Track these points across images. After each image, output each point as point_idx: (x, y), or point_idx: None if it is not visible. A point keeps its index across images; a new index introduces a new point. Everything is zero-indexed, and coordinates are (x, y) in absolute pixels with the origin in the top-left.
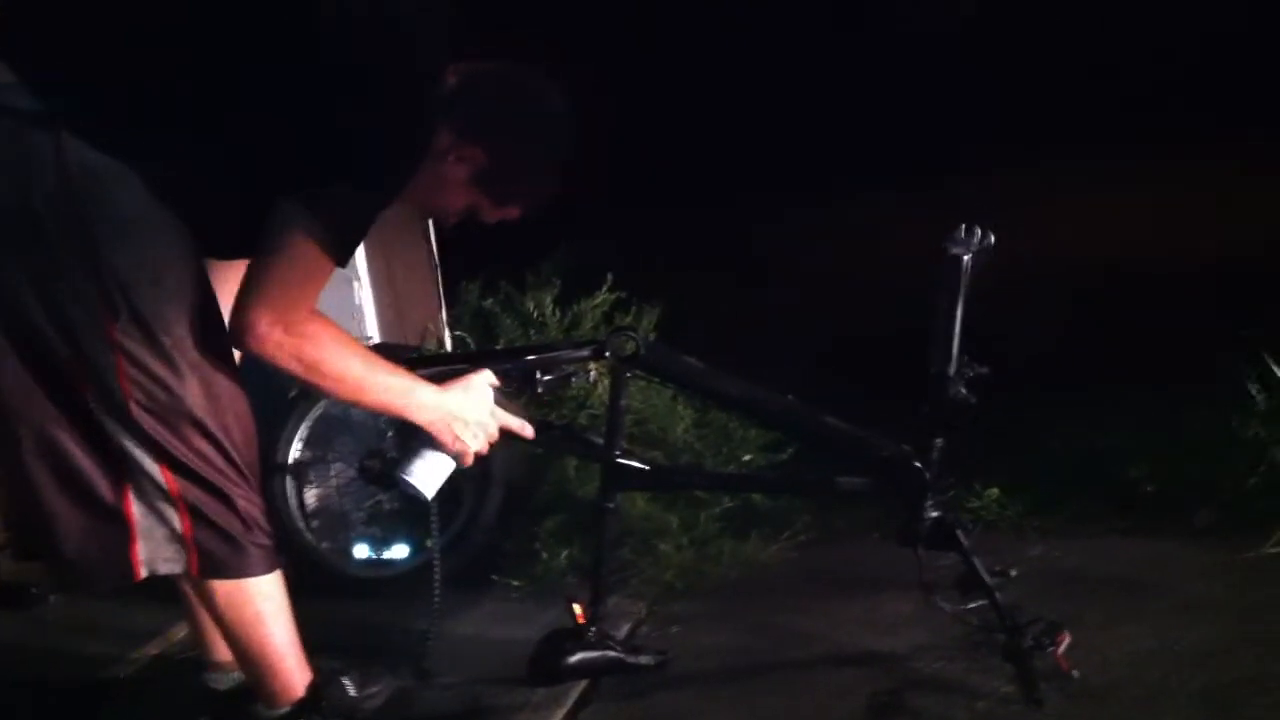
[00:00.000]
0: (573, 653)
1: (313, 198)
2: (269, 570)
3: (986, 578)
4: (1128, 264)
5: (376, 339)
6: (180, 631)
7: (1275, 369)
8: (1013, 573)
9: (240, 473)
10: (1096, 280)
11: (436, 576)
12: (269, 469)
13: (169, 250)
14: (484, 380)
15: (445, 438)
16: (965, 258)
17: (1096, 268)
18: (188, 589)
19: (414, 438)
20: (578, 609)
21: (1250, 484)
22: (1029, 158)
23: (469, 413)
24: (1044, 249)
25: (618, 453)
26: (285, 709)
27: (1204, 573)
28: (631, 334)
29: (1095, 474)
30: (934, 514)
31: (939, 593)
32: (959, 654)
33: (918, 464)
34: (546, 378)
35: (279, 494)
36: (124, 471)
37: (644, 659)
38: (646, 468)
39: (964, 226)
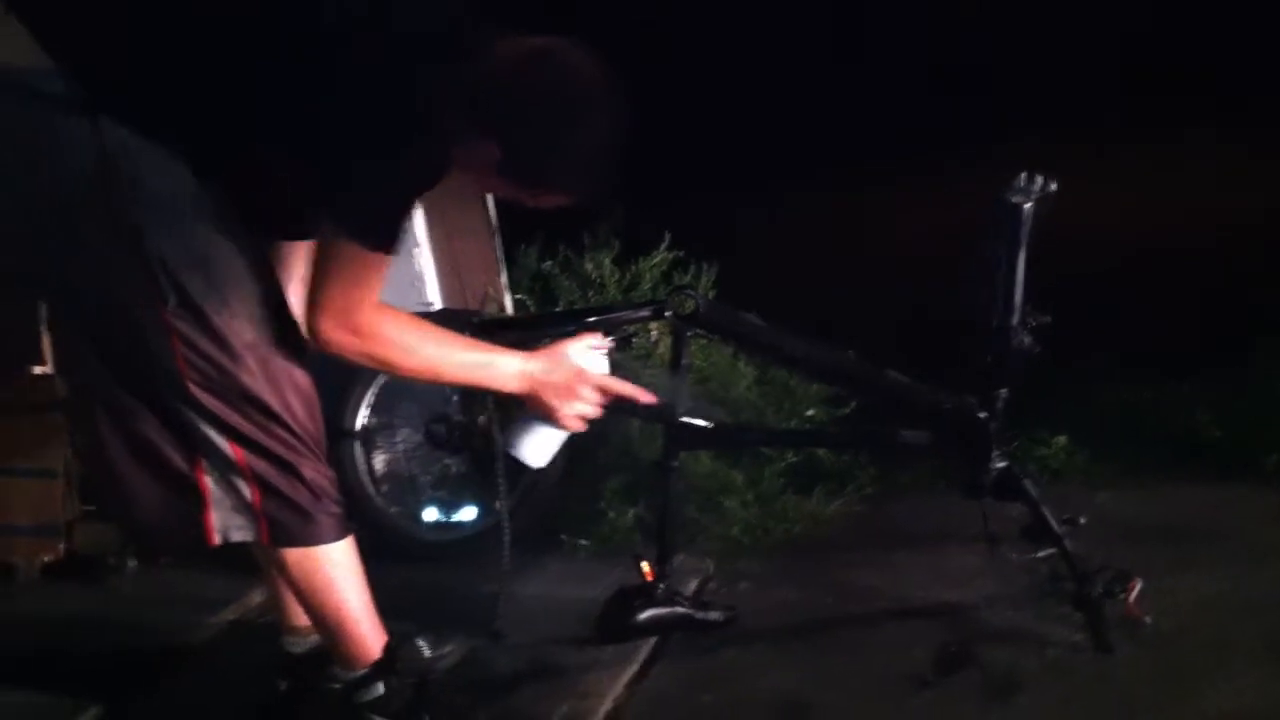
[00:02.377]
0: (641, 610)
1: (346, 201)
2: (339, 537)
3: (1055, 526)
4: (1196, 223)
5: (437, 305)
6: (256, 597)
7: None
8: (1081, 520)
9: (305, 445)
10: (1163, 238)
11: (505, 538)
12: (338, 437)
13: (215, 231)
14: (580, 345)
15: (541, 406)
16: (1026, 206)
17: (1165, 226)
18: (262, 555)
19: (519, 409)
20: (645, 567)
21: None
22: (1095, 113)
23: (558, 378)
24: (1111, 208)
25: (681, 412)
26: (362, 671)
27: (1274, 518)
28: (691, 293)
29: (1162, 421)
30: (1000, 464)
31: (1006, 543)
32: (1028, 604)
33: (982, 415)
34: (607, 339)
35: (348, 461)
36: (194, 444)
37: (712, 615)
38: (709, 426)
39: (1024, 174)
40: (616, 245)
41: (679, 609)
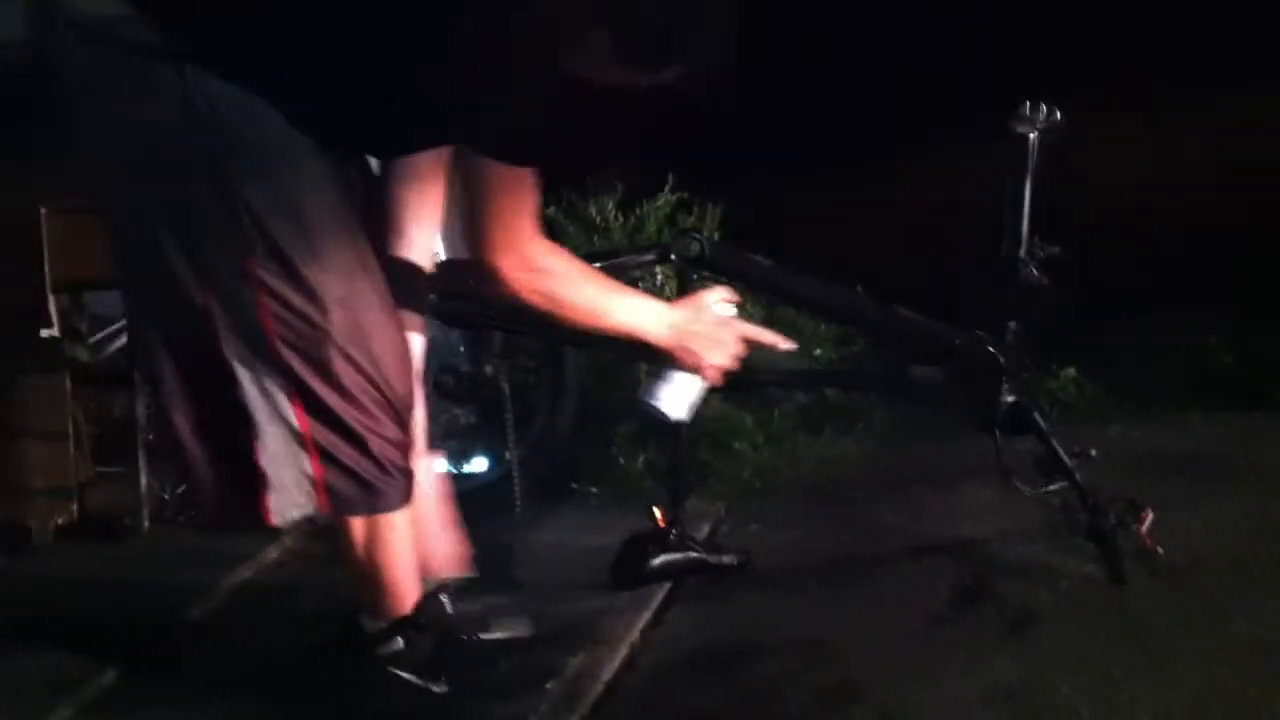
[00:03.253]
0: (655, 556)
1: (475, 129)
2: (400, 505)
3: (1066, 459)
4: (1210, 155)
5: (442, 255)
6: (271, 554)
7: None
8: (1092, 452)
9: (385, 407)
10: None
11: (516, 487)
12: None
13: (307, 180)
14: (715, 295)
15: (682, 356)
16: (1032, 136)
17: (1179, 159)
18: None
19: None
20: (657, 512)
21: None
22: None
23: (702, 328)
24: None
25: None
26: (385, 623)
27: None
28: (696, 235)
29: (1173, 349)
30: (1010, 398)
31: (1018, 477)
32: (1041, 537)
33: (991, 349)
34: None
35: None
36: (253, 416)
37: (726, 559)
38: None
39: (1029, 103)
40: (619, 189)
41: (692, 554)
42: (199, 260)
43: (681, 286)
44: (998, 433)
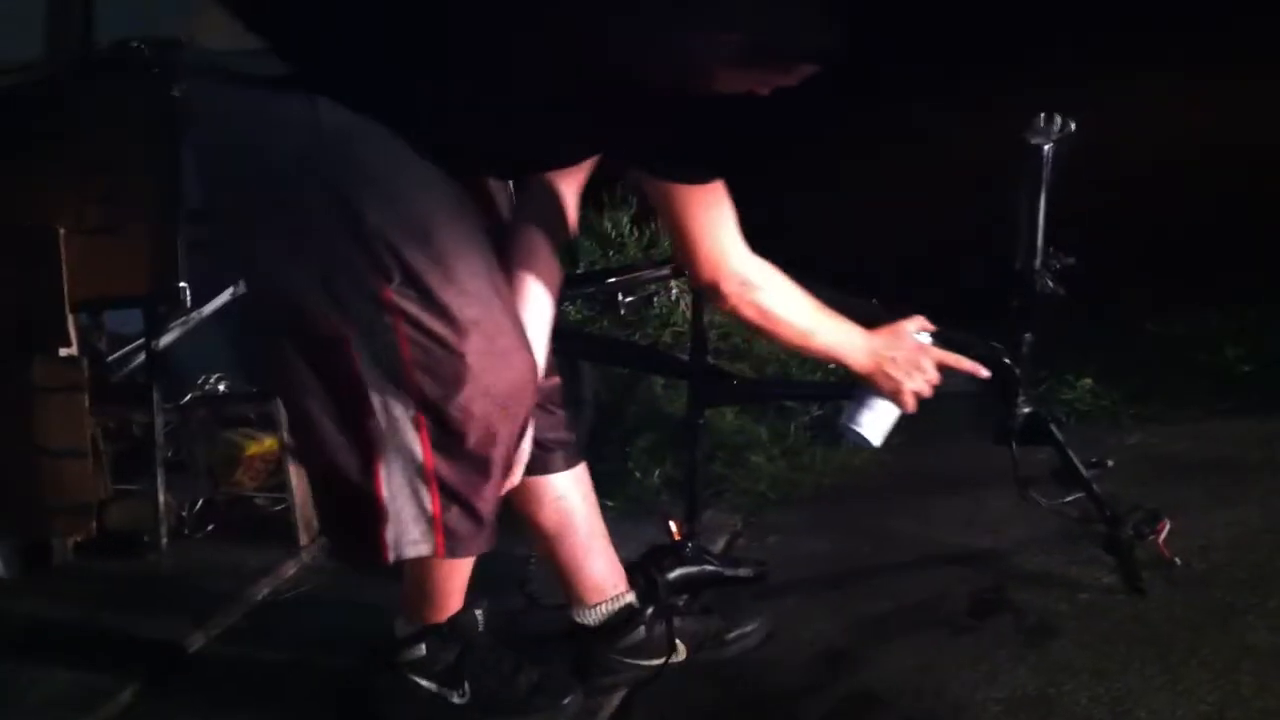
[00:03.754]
0: (671, 569)
1: (641, 153)
2: (489, 547)
3: (1082, 470)
4: (1221, 154)
5: None
6: (290, 569)
7: None
8: (1109, 463)
9: (510, 431)
10: (1179, 167)
11: None
12: None
13: (436, 205)
14: (915, 325)
15: (881, 381)
16: (1046, 147)
17: (1188, 156)
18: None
19: (858, 387)
20: (674, 525)
21: None
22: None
23: (902, 355)
24: (1135, 139)
25: (703, 369)
26: (417, 627)
27: None
28: None
29: (1190, 358)
30: (1027, 409)
31: (1036, 488)
32: (1059, 548)
33: (1007, 360)
34: (629, 299)
35: None
36: (378, 451)
37: (743, 571)
38: (734, 381)
39: (1043, 114)
40: (634, 203)
41: (709, 566)
42: (333, 291)
43: (696, 300)
44: (1014, 443)
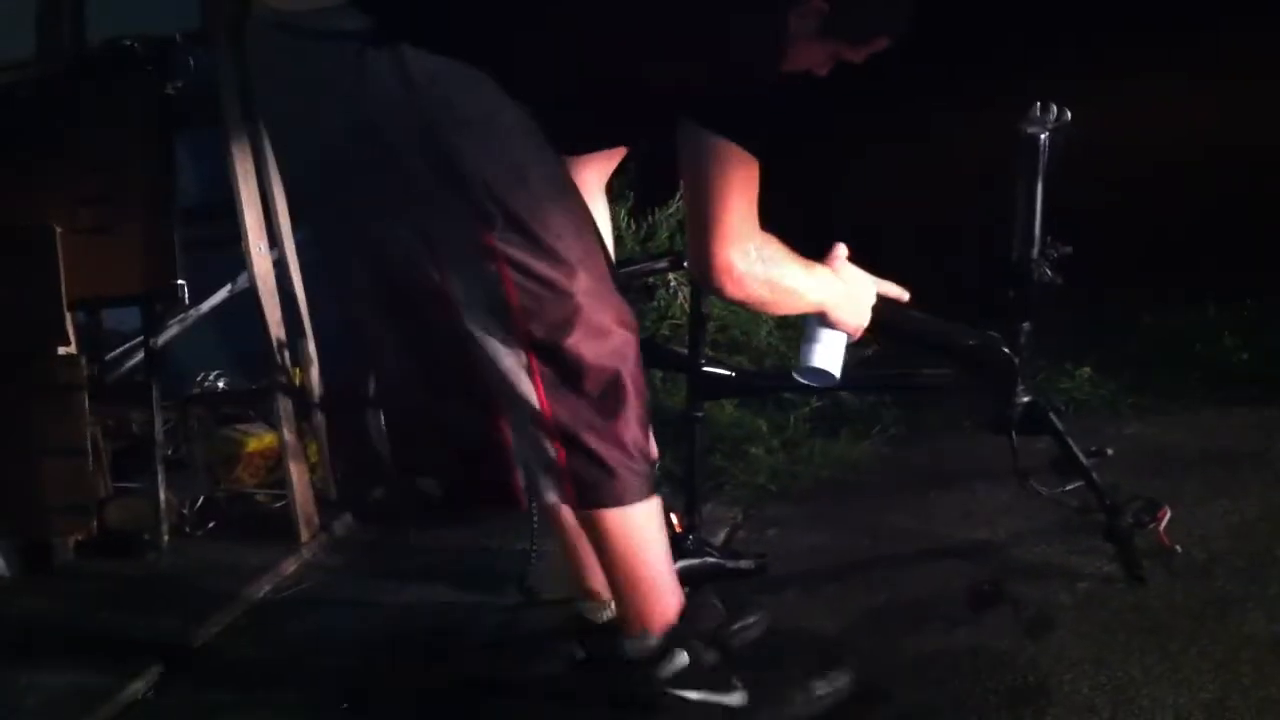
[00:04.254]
0: (672, 561)
1: (705, 112)
2: (648, 496)
3: (1082, 458)
4: (1214, 148)
5: None
6: (290, 566)
7: None
8: (1109, 451)
9: (624, 382)
10: (1184, 163)
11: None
12: (358, 403)
13: (530, 148)
14: (843, 253)
15: (845, 317)
16: (1042, 136)
17: (1187, 151)
18: (564, 513)
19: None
20: (674, 518)
21: None
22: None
23: (858, 289)
24: (1133, 131)
25: (703, 362)
26: (657, 638)
27: None
28: None
29: (1188, 348)
30: (1025, 399)
31: (1035, 478)
32: (1059, 538)
33: (1006, 350)
34: (627, 292)
35: (371, 427)
36: (497, 401)
37: (743, 563)
38: (732, 374)
39: (1039, 104)
40: (631, 196)
41: (709, 559)
42: (431, 242)
43: (694, 293)
44: (1014, 433)
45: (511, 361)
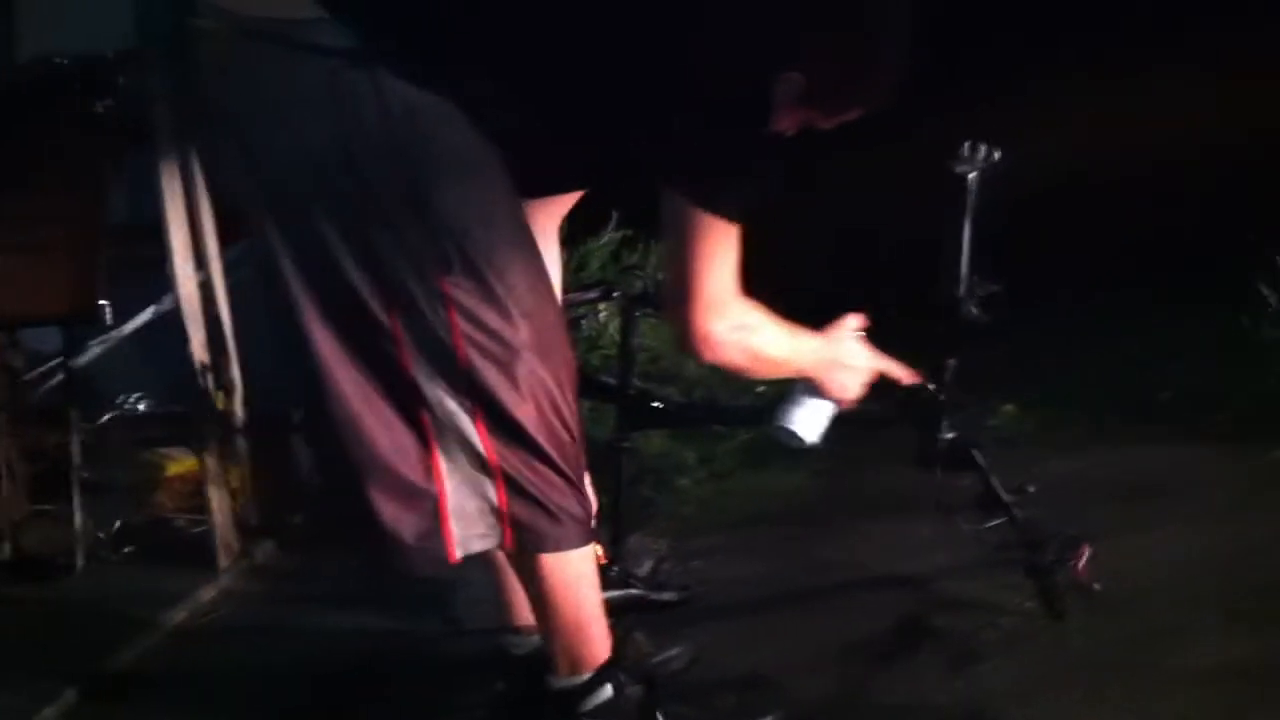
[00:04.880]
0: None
1: (687, 173)
2: (586, 543)
3: (1004, 496)
4: (1128, 173)
5: None
6: (208, 594)
7: None
8: (1031, 489)
9: (567, 429)
10: (1095, 191)
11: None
12: (285, 428)
13: (497, 191)
14: (852, 322)
15: (833, 387)
16: (971, 176)
17: (1095, 178)
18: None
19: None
20: (598, 549)
21: (1264, 386)
22: (1024, 67)
23: (855, 360)
24: (1046, 160)
25: (631, 392)
26: (587, 675)
27: (1223, 478)
28: (639, 272)
29: (1110, 384)
30: (950, 435)
31: (959, 513)
32: (982, 573)
33: (931, 386)
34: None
35: (297, 453)
36: (436, 444)
37: (668, 595)
38: (660, 405)
39: (969, 144)
40: (563, 226)
41: (632, 591)
42: (387, 277)
43: (625, 323)
44: (938, 469)
45: (454, 405)
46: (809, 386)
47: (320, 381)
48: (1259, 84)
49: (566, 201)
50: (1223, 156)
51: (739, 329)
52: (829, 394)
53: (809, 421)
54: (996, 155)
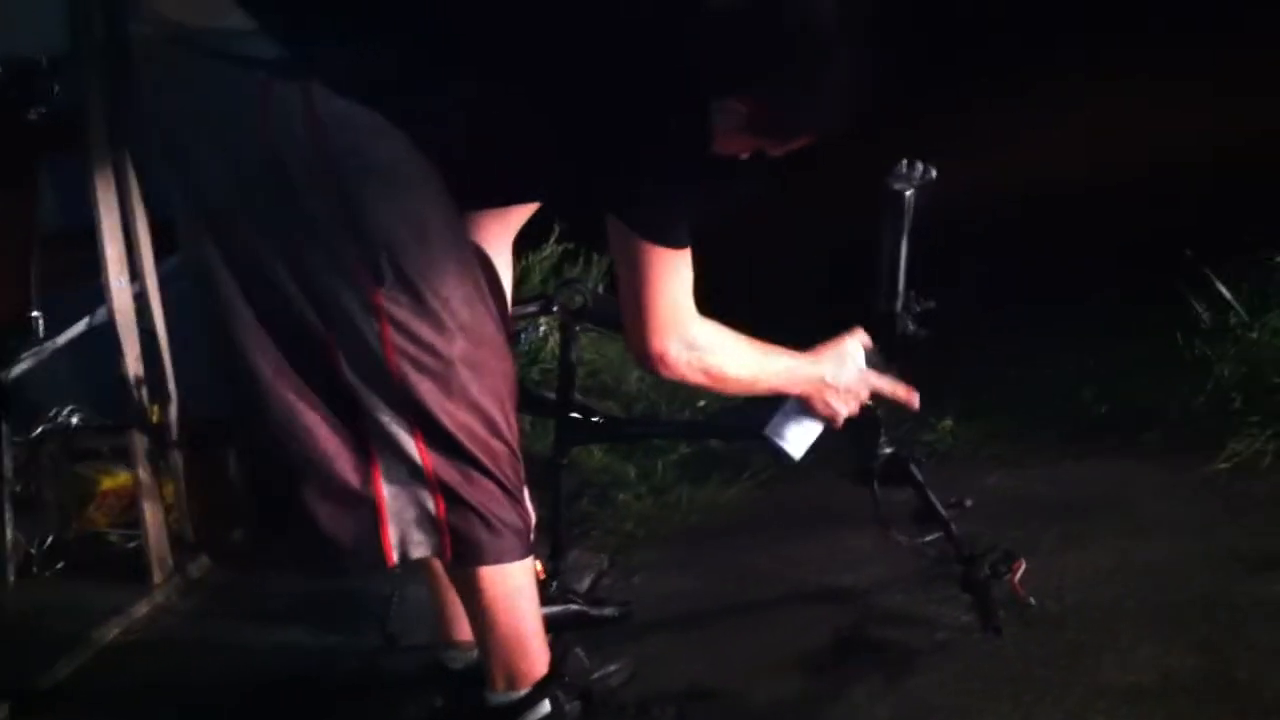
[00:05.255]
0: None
1: (627, 203)
2: (524, 556)
3: (941, 510)
4: (1062, 186)
5: None
6: (141, 609)
7: (1220, 288)
8: (968, 503)
9: (504, 442)
10: (1029, 205)
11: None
12: (220, 442)
13: (431, 203)
14: (856, 344)
15: (818, 406)
16: (908, 193)
17: (1028, 191)
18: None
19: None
20: (537, 565)
21: (1198, 402)
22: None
23: (846, 381)
24: (977, 174)
25: (570, 407)
26: (524, 690)
27: (1157, 492)
28: (580, 286)
29: (1047, 400)
30: (887, 450)
31: (896, 527)
32: (918, 586)
33: (869, 402)
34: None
35: (232, 467)
36: (374, 451)
37: (607, 611)
38: (600, 420)
39: (905, 161)
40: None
41: (572, 606)
42: (319, 291)
43: (564, 338)
44: (875, 484)
45: (390, 416)
46: (799, 403)
47: (258, 387)
48: (1200, 102)
49: (519, 213)
50: (1161, 173)
51: (693, 348)
52: (816, 413)
53: (798, 438)
54: (933, 173)
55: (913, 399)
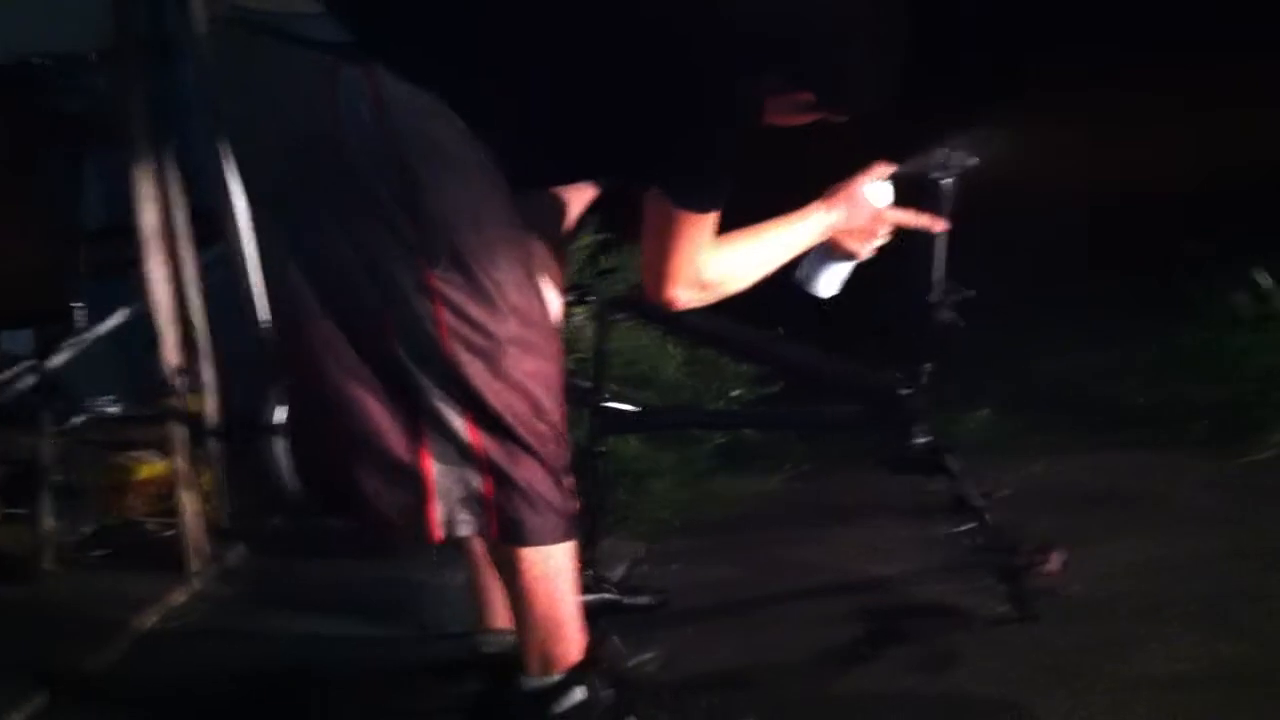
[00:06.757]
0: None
1: (668, 174)
2: (569, 538)
3: (977, 500)
4: (1105, 187)
5: None
6: (178, 597)
7: (1262, 279)
8: (1006, 492)
9: (549, 424)
10: (1076, 204)
11: None
12: (258, 432)
13: (487, 187)
14: (872, 185)
15: (841, 246)
16: (946, 181)
17: (1075, 191)
18: (475, 547)
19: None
20: None
21: (1240, 393)
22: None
23: (858, 222)
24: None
25: (606, 397)
26: (559, 675)
27: (1198, 483)
28: (617, 276)
29: (1087, 391)
30: (923, 440)
31: (933, 517)
32: (955, 577)
33: (905, 391)
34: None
35: (271, 455)
36: (425, 429)
37: (642, 599)
38: (636, 410)
39: (944, 149)
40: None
41: (606, 595)
42: (378, 269)
43: (600, 328)
44: (912, 474)
45: (442, 394)
46: (825, 245)
47: (315, 362)
48: (1237, 104)
49: (576, 203)
50: (1200, 172)
51: (704, 288)
52: (842, 253)
53: (828, 280)
54: (971, 161)
55: (936, 224)
